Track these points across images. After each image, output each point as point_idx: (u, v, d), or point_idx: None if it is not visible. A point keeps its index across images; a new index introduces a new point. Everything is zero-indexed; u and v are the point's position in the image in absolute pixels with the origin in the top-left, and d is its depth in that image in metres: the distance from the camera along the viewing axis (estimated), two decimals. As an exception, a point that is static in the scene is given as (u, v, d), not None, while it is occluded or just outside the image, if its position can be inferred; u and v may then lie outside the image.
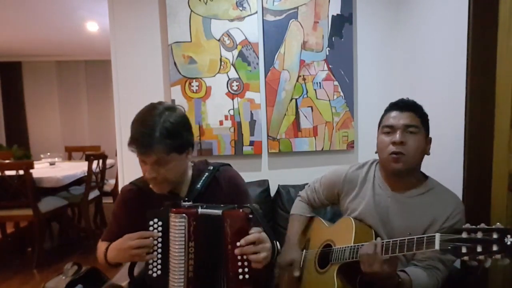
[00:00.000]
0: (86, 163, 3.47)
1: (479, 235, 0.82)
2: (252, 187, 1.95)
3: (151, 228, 1.11)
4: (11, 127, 5.54)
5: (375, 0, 2.10)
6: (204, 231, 1.08)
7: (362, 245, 1.12)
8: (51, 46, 4.91)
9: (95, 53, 5.18)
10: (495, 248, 0.79)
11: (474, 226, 0.84)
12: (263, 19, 2.02)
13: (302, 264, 1.37)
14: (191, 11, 1.98)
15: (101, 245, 1.25)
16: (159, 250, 1.10)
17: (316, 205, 1.51)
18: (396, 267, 1.04)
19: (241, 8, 2.00)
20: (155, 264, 1.10)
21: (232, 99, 2.04)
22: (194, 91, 2.02)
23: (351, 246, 1.16)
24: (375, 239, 1.19)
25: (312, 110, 2.08)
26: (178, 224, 1.07)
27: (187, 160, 1.19)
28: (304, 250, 1.41)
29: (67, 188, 3.59)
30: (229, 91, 2.03)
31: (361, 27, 2.11)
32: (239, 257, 1.04)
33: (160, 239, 1.10)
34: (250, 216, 1.06)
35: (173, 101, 2.00)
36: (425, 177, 1.25)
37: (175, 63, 1.99)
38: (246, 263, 1.03)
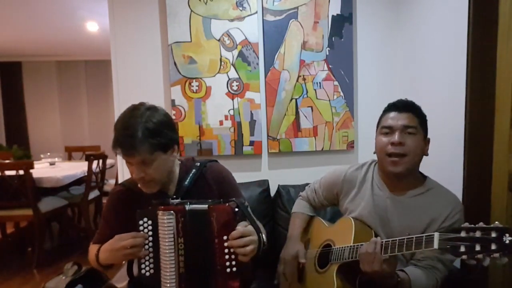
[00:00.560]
0: (86, 163, 3.47)
1: (478, 234, 0.82)
2: (252, 187, 1.96)
3: (141, 228, 1.12)
4: (11, 127, 5.54)
5: (375, 0, 2.10)
6: (192, 227, 1.09)
7: (362, 244, 1.12)
8: (51, 46, 4.91)
9: (95, 53, 5.18)
10: (493, 247, 0.79)
11: (472, 225, 0.84)
12: (263, 19, 2.02)
13: (302, 264, 1.37)
14: (191, 11, 1.98)
15: (93, 248, 1.25)
16: (151, 249, 1.11)
17: (316, 205, 1.51)
18: (396, 266, 1.04)
19: (241, 8, 2.00)
20: (147, 263, 1.11)
21: (232, 99, 2.04)
22: (194, 91, 2.02)
23: (351, 246, 1.16)
24: (374, 237, 1.19)
25: (312, 110, 2.08)
26: (166, 221, 1.09)
27: (172, 158, 1.20)
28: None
29: (67, 188, 3.59)
30: (229, 91, 2.03)
31: (361, 27, 2.11)
32: (226, 251, 1.05)
33: (150, 238, 1.11)
34: (236, 209, 1.07)
35: (173, 101, 2.01)
36: (424, 177, 1.25)
37: (175, 63, 1.99)
38: (233, 256, 1.05)
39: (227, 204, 1.09)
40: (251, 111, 2.05)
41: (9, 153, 4.30)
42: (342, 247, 1.19)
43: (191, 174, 1.27)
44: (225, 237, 1.05)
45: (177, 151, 1.22)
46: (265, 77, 2.04)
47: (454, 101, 1.54)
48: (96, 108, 5.59)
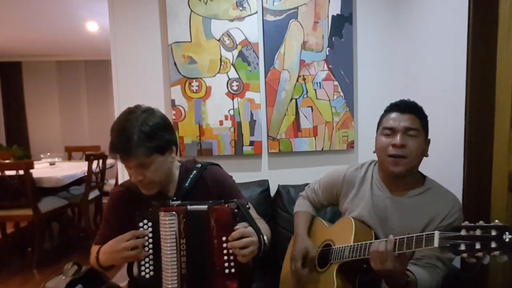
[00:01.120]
0: (86, 163, 3.47)
1: (478, 232, 0.82)
2: (252, 187, 1.96)
3: (141, 230, 1.12)
4: (11, 127, 5.54)
5: (375, 0, 2.10)
6: (193, 228, 1.09)
7: (361, 244, 1.12)
8: (51, 46, 4.91)
9: (95, 53, 5.18)
10: (493, 245, 0.79)
11: (472, 224, 0.84)
12: (263, 19, 2.02)
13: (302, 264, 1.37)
14: (191, 11, 1.98)
15: (94, 249, 1.26)
16: (151, 251, 1.11)
17: (316, 205, 1.51)
18: (407, 264, 1.03)
19: (241, 8, 2.00)
20: (147, 265, 1.11)
21: (232, 99, 2.04)
22: (194, 91, 2.02)
23: (351, 246, 1.16)
24: (375, 238, 1.19)
25: (312, 110, 2.08)
26: (168, 222, 1.09)
27: (171, 159, 1.20)
28: None
29: (67, 188, 3.59)
30: (229, 91, 2.03)
31: (361, 27, 2.12)
32: (225, 251, 1.05)
33: (150, 240, 1.11)
34: (236, 210, 1.07)
35: (173, 101, 2.01)
36: (423, 177, 1.25)
37: (175, 63, 2.00)
38: (232, 257, 1.05)
39: (226, 205, 1.08)
40: (251, 111, 2.05)
41: (9, 153, 4.31)
42: (342, 247, 1.19)
43: (191, 176, 1.26)
44: (224, 238, 1.05)
45: (175, 152, 1.21)
46: (265, 77, 2.04)
47: (454, 101, 1.54)
48: (96, 108, 5.59)
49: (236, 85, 2.03)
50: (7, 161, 3.67)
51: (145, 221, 1.12)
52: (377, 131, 1.26)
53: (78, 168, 3.63)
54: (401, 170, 1.15)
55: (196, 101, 2.02)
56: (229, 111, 2.04)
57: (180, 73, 2.00)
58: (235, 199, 1.13)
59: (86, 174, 3.48)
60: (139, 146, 1.06)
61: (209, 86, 2.02)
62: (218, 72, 2.02)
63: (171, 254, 1.08)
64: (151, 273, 1.11)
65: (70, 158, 4.78)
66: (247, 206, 1.16)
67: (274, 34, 2.03)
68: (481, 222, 0.84)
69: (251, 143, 2.06)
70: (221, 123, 2.05)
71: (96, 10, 3.50)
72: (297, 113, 2.07)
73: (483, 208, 1.41)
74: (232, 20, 2.00)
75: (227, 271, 1.05)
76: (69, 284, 1.26)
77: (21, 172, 2.91)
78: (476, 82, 1.43)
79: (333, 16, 2.05)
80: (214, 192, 1.26)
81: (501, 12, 1.35)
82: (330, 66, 2.07)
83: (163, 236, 1.09)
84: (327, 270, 1.23)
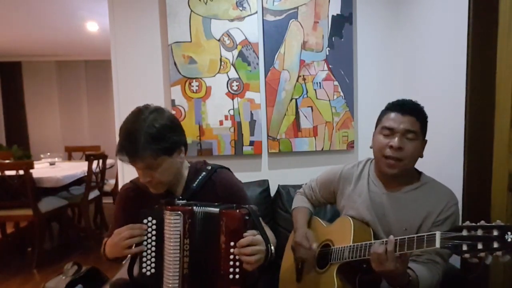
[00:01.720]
0: (86, 163, 3.47)
1: (480, 232, 0.82)
2: (252, 187, 1.96)
3: (138, 225, 1.12)
4: (11, 127, 5.53)
5: (375, 0, 2.10)
6: (199, 229, 1.09)
7: (361, 244, 1.12)
8: (51, 46, 4.91)
9: (95, 53, 5.18)
10: (495, 245, 0.79)
11: (474, 224, 0.84)
12: (263, 19, 2.02)
13: (302, 264, 1.37)
14: (191, 11, 1.98)
15: (104, 242, 1.27)
16: (153, 248, 1.11)
17: (314, 202, 1.52)
18: (407, 264, 1.03)
19: (241, 8, 2.00)
20: (149, 262, 1.11)
21: (232, 99, 2.04)
22: (194, 91, 2.02)
23: (351, 246, 1.16)
24: (373, 237, 1.19)
25: (312, 110, 2.08)
26: (173, 221, 1.08)
27: (180, 159, 1.20)
28: None
29: (67, 188, 3.59)
30: (229, 91, 2.03)
31: (361, 27, 2.11)
32: (231, 257, 1.04)
33: (154, 237, 1.11)
34: (247, 217, 1.06)
35: (173, 101, 2.01)
36: (419, 173, 1.26)
37: (175, 63, 1.99)
38: (237, 263, 1.04)
39: (238, 210, 1.07)
40: (251, 111, 2.05)
41: (9, 153, 4.30)
42: (341, 247, 1.19)
43: (200, 177, 1.26)
44: (232, 243, 1.04)
45: (184, 153, 1.21)
46: (265, 77, 2.04)
47: (454, 101, 1.54)
48: (96, 108, 5.58)
49: (236, 85, 2.03)
50: (7, 161, 3.66)
51: (150, 218, 1.12)
52: (375, 128, 1.25)
53: (78, 168, 3.63)
54: (395, 172, 1.16)
55: (196, 101, 2.02)
56: (229, 111, 2.04)
57: (180, 73, 2.00)
58: (247, 205, 1.11)
59: (86, 174, 3.48)
60: (146, 149, 1.06)
61: (209, 86, 2.02)
62: (218, 72, 2.02)
63: (174, 253, 1.08)
64: (152, 270, 1.11)
65: (70, 158, 4.78)
66: (259, 213, 1.15)
67: (274, 34, 2.03)
68: (482, 222, 0.84)
69: (251, 143, 2.06)
70: (221, 123, 2.04)
71: (96, 10, 3.50)
72: (297, 113, 2.07)
73: (483, 208, 1.40)
74: (232, 20, 2.00)
75: (231, 276, 1.04)
76: (69, 284, 1.26)
77: (21, 172, 2.91)
78: (476, 82, 1.43)
79: (333, 16, 2.05)
80: (222, 195, 1.25)
81: (501, 12, 1.35)
82: (330, 66, 2.07)
83: (167, 234, 1.09)
84: (327, 271, 1.23)
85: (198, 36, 2.00)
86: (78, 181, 3.59)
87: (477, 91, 1.43)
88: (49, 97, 5.55)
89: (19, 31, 4.23)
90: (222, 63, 2.01)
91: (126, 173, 2.04)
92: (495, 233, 0.80)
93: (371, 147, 1.26)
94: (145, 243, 1.11)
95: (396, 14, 2.10)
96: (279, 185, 2.01)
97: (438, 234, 0.89)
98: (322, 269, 1.25)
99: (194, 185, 1.24)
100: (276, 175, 2.11)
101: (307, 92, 2.07)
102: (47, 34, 4.37)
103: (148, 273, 1.11)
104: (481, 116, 1.42)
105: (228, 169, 1.37)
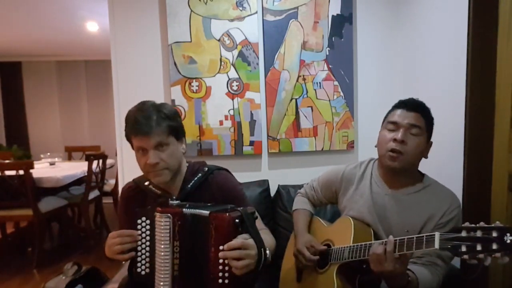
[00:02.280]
0: (86, 163, 3.47)
1: (479, 233, 0.82)
2: (252, 187, 1.96)
3: (139, 227, 1.12)
4: (11, 127, 5.54)
5: (375, 0, 2.10)
6: (189, 231, 1.08)
7: (361, 245, 1.12)
8: (51, 46, 4.91)
9: (95, 53, 5.18)
10: (494, 246, 0.79)
11: (473, 225, 0.84)
12: (263, 19, 2.02)
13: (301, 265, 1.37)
14: (191, 11, 1.98)
15: None
16: (147, 248, 1.12)
17: (315, 202, 1.52)
18: (407, 265, 1.03)
19: (241, 8, 2.00)
20: (143, 262, 1.12)
21: (232, 99, 2.04)
22: (194, 91, 2.02)
23: (351, 246, 1.16)
24: (374, 237, 1.19)
25: (312, 110, 2.08)
26: (163, 223, 1.08)
27: (182, 150, 1.24)
28: None
29: (67, 188, 3.59)
30: (229, 91, 2.03)
31: (361, 27, 2.11)
32: (220, 261, 1.01)
33: (148, 237, 1.12)
34: (237, 220, 1.03)
35: (173, 101, 2.00)
36: (422, 175, 1.26)
37: (175, 63, 1.99)
38: (227, 268, 1.01)
39: (228, 213, 1.04)
40: (251, 111, 2.05)
41: (9, 153, 4.30)
42: (341, 247, 1.19)
43: (196, 178, 1.26)
44: (221, 247, 1.01)
45: (185, 145, 1.26)
46: (265, 77, 2.04)
47: (454, 101, 1.54)
48: (96, 108, 5.58)
49: (236, 85, 2.03)
50: (7, 161, 3.66)
51: (144, 218, 1.12)
52: (381, 125, 1.26)
53: (78, 168, 3.63)
54: (396, 166, 1.16)
55: (196, 101, 2.02)
56: (229, 111, 2.04)
57: (180, 73, 2.00)
58: (240, 208, 1.08)
59: (86, 174, 3.48)
60: (159, 123, 1.13)
61: (209, 86, 2.02)
62: (218, 72, 2.02)
63: (164, 254, 1.08)
64: (147, 270, 1.11)
65: (70, 158, 4.78)
66: (255, 215, 1.11)
67: (274, 34, 2.03)
68: (481, 223, 0.84)
69: (251, 143, 2.06)
70: (221, 123, 2.04)
71: (96, 10, 3.50)
72: (297, 113, 2.07)
73: (483, 208, 1.40)
74: (232, 20, 2.00)
75: (220, 280, 1.02)
76: (69, 284, 1.27)
77: (21, 172, 2.91)
78: (476, 82, 1.43)
79: (333, 16, 2.05)
80: (218, 197, 1.24)
81: (501, 12, 1.35)
82: (330, 66, 2.07)
83: (157, 236, 1.09)
84: (327, 271, 1.23)
85: (198, 36, 1.99)
86: (78, 181, 3.59)
87: (477, 91, 1.42)
88: (49, 97, 5.55)
89: (19, 31, 4.24)
90: (222, 63, 2.01)
91: (126, 173, 2.04)
92: (494, 234, 0.80)
93: (376, 146, 1.26)
94: (139, 243, 1.12)
95: (396, 14, 2.10)
96: (279, 185, 2.01)
97: (437, 235, 0.89)
98: (322, 269, 1.25)
99: (189, 186, 1.24)
100: (276, 175, 2.11)
101: (307, 92, 2.07)
102: (47, 34, 4.37)
103: (143, 272, 1.12)
104: (481, 116, 1.42)
105: (227, 170, 1.37)
